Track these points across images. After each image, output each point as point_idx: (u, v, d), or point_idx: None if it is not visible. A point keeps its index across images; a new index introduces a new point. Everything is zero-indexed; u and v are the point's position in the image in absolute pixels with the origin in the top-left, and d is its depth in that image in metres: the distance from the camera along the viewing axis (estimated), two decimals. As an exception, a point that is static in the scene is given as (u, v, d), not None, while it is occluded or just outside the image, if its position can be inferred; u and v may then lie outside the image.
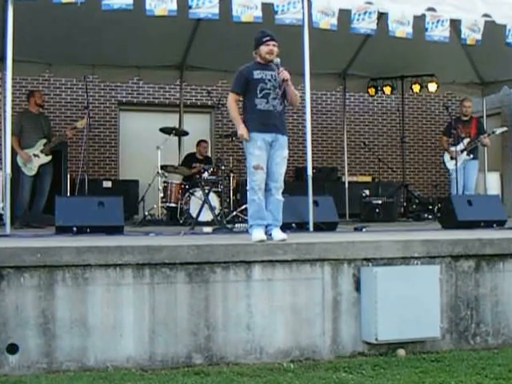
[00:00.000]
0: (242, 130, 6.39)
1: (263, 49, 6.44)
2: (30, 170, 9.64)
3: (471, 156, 10.99)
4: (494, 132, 11.36)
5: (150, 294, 5.43)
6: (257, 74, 6.44)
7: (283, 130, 6.55)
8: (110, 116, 14.51)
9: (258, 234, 6.16)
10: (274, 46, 6.45)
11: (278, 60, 6.42)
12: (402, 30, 8.10)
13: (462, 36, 8.36)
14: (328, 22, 7.84)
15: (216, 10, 7.45)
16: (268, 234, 6.36)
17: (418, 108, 16.31)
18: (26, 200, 9.60)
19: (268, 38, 6.46)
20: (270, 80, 6.43)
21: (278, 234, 6.30)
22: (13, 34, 7.20)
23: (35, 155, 9.68)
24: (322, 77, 12.21)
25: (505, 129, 11.84)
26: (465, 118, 11.22)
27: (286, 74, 6.34)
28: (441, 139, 12.00)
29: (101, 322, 5.30)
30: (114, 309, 5.34)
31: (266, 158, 6.40)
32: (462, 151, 10.71)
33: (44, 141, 9.76)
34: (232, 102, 6.53)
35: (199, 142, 12.34)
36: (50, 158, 9.79)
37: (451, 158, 11.01)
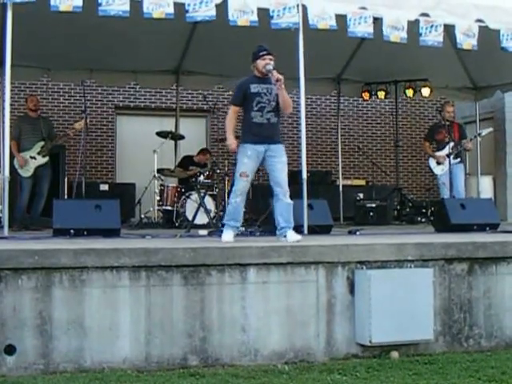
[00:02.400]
0: (229, 141, 6.84)
1: (260, 63, 6.74)
2: (26, 171, 9.74)
3: (458, 160, 11.05)
4: (480, 134, 11.41)
5: (146, 296, 5.46)
6: (254, 88, 6.76)
7: (276, 139, 6.88)
8: (107, 120, 14.55)
9: (226, 236, 6.70)
10: (270, 59, 6.72)
11: (270, 66, 6.66)
12: (396, 34, 8.16)
13: (457, 41, 8.40)
14: (327, 24, 7.91)
15: (213, 13, 7.51)
16: (283, 235, 6.73)
17: (411, 112, 16.38)
18: (25, 202, 9.67)
19: (264, 53, 6.75)
20: (265, 94, 6.76)
21: (291, 236, 6.62)
22: (11, 39, 7.25)
23: (32, 157, 9.79)
24: (316, 81, 12.28)
25: (491, 129, 11.86)
26: (446, 123, 11.21)
27: (279, 75, 6.60)
28: (423, 145, 12.05)
29: (97, 324, 5.32)
30: (110, 310, 5.37)
31: (253, 168, 6.84)
32: (448, 156, 10.75)
33: (42, 143, 9.88)
34: (231, 114, 6.90)
35: (204, 151, 12.33)
36: (46, 159, 9.92)
37: (437, 164, 11.11)
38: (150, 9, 7.34)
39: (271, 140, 6.80)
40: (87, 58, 11.21)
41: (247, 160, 6.75)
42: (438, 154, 11.16)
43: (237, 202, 6.80)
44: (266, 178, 7.33)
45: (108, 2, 7.21)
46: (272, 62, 6.72)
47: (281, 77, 6.60)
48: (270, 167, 6.83)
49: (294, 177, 13.93)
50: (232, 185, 11.47)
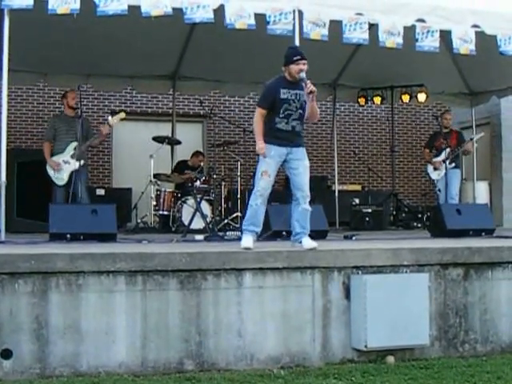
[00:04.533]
0: (259, 145, 6.49)
1: (293, 68, 6.47)
2: (61, 179, 9.05)
3: (453, 165, 11.21)
4: (471, 138, 11.67)
5: (142, 300, 5.48)
6: (283, 94, 6.49)
7: (298, 143, 6.65)
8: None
9: (245, 241, 6.28)
10: (304, 64, 6.48)
11: (302, 74, 6.42)
12: (392, 40, 8.15)
13: (454, 46, 8.37)
14: (319, 33, 7.91)
15: (211, 15, 7.51)
16: (298, 241, 6.50)
17: (407, 118, 16.39)
18: None
19: (299, 57, 6.49)
20: (294, 101, 6.52)
21: (307, 243, 6.37)
22: (9, 44, 7.25)
23: (65, 161, 9.04)
24: (312, 87, 12.29)
25: (482, 134, 12.20)
26: (445, 130, 11.53)
27: (313, 87, 6.38)
28: (423, 152, 12.27)
29: (94, 328, 5.35)
30: (106, 315, 5.39)
31: (275, 168, 6.53)
32: (444, 161, 10.94)
33: (74, 144, 9.04)
34: (259, 117, 6.57)
35: (197, 154, 12.35)
36: (81, 163, 8.99)
37: (434, 169, 11.34)
38: (149, 9, 7.35)
39: (293, 144, 6.57)
40: (84, 63, 11.21)
41: (269, 160, 6.45)
42: (434, 159, 11.36)
43: (257, 204, 6.46)
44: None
45: (106, 3, 7.21)
46: (306, 67, 6.47)
47: (314, 89, 6.38)
48: (292, 170, 6.58)
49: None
50: (229, 192, 11.65)
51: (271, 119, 6.54)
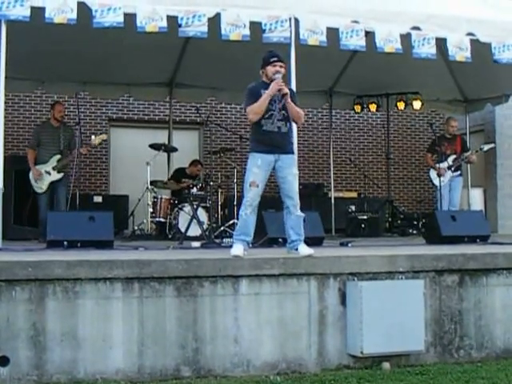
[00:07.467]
0: (274, 86, 6.43)
1: (270, 69, 6.51)
2: (39, 188, 9.51)
3: (458, 172, 11.20)
4: (481, 148, 11.62)
5: (139, 307, 5.50)
6: (264, 94, 6.49)
7: (288, 150, 6.64)
8: (100, 132, 14.53)
9: (234, 250, 6.23)
10: (280, 66, 6.53)
11: (278, 75, 6.46)
12: (391, 46, 8.16)
13: (450, 53, 8.41)
14: (317, 39, 7.93)
15: (205, 29, 7.54)
16: (294, 248, 6.50)
17: (402, 125, 16.43)
18: (43, 216, 9.19)
19: (275, 59, 6.53)
20: (275, 101, 6.51)
21: (303, 250, 6.37)
22: (6, 52, 7.27)
23: (47, 172, 9.52)
24: (308, 94, 12.33)
25: (493, 145, 12.15)
26: (449, 136, 11.43)
27: (285, 89, 6.43)
28: (425, 157, 12.23)
29: (91, 335, 5.36)
30: (103, 322, 5.41)
31: (263, 178, 6.50)
32: (448, 168, 10.91)
33: (58, 157, 9.58)
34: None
35: (195, 163, 12.39)
36: (61, 175, 9.61)
37: (438, 175, 11.24)
38: (144, 23, 7.36)
39: (282, 150, 6.55)
40: (81, 70, 11.25)
41: (257, 169, 6.44)
42: (437, 165, 11.28)
43: (247, 214, 6.44)
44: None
45: (102, 14, 7.24)
46: (283, 70, 6.54)
47: (287, 90, 6.43)
48: (280, 179, 6.57)
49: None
50: (226, 199, 11.67)
51: (257, 122, 6.54)
